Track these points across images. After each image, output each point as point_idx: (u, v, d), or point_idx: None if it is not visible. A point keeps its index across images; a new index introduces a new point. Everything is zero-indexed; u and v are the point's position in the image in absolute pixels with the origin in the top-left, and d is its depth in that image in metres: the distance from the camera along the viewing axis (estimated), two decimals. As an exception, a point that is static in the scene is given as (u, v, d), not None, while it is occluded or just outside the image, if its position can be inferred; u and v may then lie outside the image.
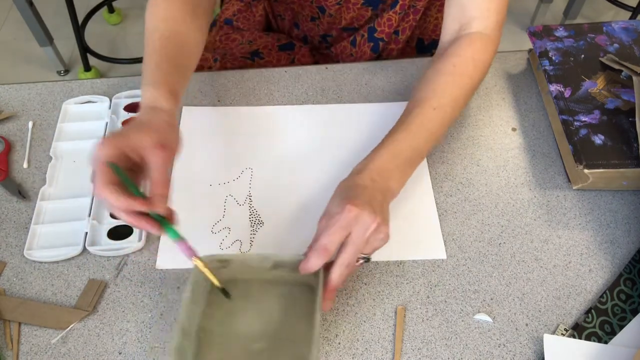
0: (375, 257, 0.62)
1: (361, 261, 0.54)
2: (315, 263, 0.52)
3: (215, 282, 0.54)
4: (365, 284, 0.61)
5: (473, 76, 0.66)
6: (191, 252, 0.53)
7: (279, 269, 0.56)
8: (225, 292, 0.56)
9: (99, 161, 0.51)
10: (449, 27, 0.70)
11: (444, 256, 0.63)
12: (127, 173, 0.52)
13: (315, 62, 0.96)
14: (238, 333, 0.56)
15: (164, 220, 0.52)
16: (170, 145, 0.55)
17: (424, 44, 0.95)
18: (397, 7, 0.85)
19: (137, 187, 0.52)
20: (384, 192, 0.57)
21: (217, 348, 0.54)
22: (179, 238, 0.53)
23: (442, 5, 0.88)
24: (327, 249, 0.51)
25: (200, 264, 0.53)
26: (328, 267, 0.53)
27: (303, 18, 0.90)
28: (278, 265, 0.56)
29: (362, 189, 0.55)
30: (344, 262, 0.52)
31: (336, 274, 0.52)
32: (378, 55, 0.91)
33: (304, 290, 0.57)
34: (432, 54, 0.97)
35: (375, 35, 0.88)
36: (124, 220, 0.51)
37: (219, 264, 0.55)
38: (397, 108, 0.77)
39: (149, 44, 0.65)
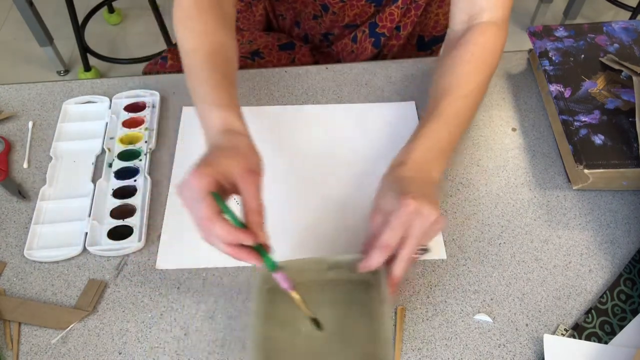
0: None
1: (420, 252, 0.54)
2: (377, 261, 0.51)
3: (309, 313, 0.54)
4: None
5: (491, 63, 0.67)
6: (290, 285, 0.52)
7: (335, 270, 0.56)
8: (316, 322, 0.55)
9: (202, 192, 0.48)
10: (458, 18, 0.71)
11: (444, 256, 0.63)
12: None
13: (316, 62, 0.96)
14: (302, 337, 0.55)
15: (263, 250, 0.50)
16: (258, 170, 0.53)
17: (424, 40, 0.95)
18: (399, 2, 0.85)
19: (237, 217, 0.50)
20: (429, 182, 0.57)
21: (282, 354, 0.54)
22: (277, 269, 0.51)
23: (443, 0, 0.88)
24: (389, 246, 0.51)
25: (297, 297, 0.52)
26: (386, 262, 0.53)
27: (305, 16, 0.90)
28: (334, 267, 0.56)
29: (411, 180, 0.55)
30: (405, 256, 0.52)
31: (399, 268, 0.52)
32: (379, 51, 0.91)
33: (361, 288, 0.57)
34: (432, 51, 0.98)
35: (377, 30, 0.88)
36: (222, 251, 0.49)
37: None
38: (397, 108, 0.77)
39: (196, 61, 0.62)
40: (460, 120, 0.62)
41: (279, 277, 0.51)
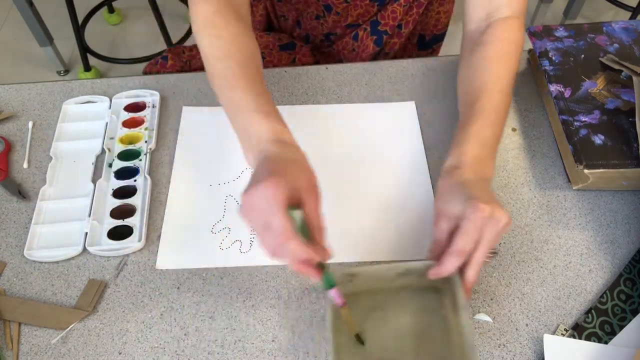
0: (375, 258, 0.62)
1: (491, 255, 0.54)
2: (452, 266, 0.51)
3: (354, 330, 0.54)
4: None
5: (518, 57, 0.68)
6: (343, 301, 0.52)
7: (406, 276, 0.56)
8: (359, 338, 0.55)
9: (280, 203, 0.47)
10: (475, 15, 0.71)
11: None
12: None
13: (317, 61, 0.96)
14: (375, 345, 0.55)
15: (325, 268, 0.51)
16: (316, 187, 0.52)
17: (425, 39, 0.96)
18: (402, 0, 0.85)
19: (307, 234, 0.49)
20: (487, 183, 0.57)
21: None
22: (333, 286, 0.51)
23: None
24: (464, 251, 0.51)
25: (346, 313, 0.53)
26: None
27: (307, 17, 0.90)
28: (406, 273, 0.55)
29: (473, 183, 0.55)
30: (479, 261, 0.52)
31: (473, 272, 0.52)
32: (380, 49, 0.91)
33: (431, 295, 0.57)
34: (432, 50, 0.98)
35: (379, 28, 0.88)
36: (290, 266, 0.49)
37: (346, 278, 0.55)
38: (397, 108, 0.77)
39: (229, 69, 0.61)
40: (500, 116, 0.63)
41: (333, 294, 0.51)
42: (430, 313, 0.57)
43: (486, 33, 0.69)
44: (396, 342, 0.55)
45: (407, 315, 0.57)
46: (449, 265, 0.51)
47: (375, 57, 0.93)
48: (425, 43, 0.96)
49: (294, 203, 0.49)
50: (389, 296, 0.57)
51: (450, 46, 1.05)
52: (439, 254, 0.53)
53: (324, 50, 0.95)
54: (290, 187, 0.48)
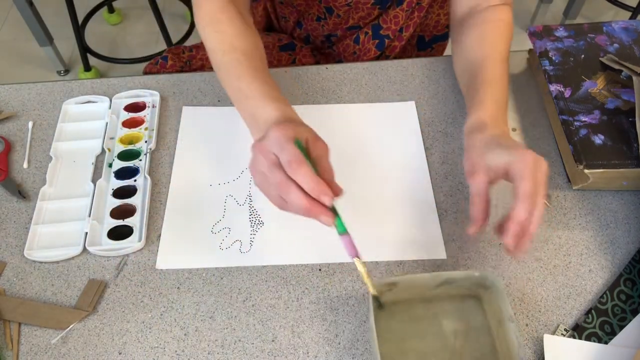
0: (375, 257, 0.62)
1: (547, 200, 0.57)
2: (527, 210, 0.51)
3: (371, 288, 0.53)
4: (366, 284, 0.61)
5: (511, 37, 0.73)
6: (354, 251, 0.52)
7: (446, 285, 0.56)
8: (378, 301, 0.55)
9: (288, 137, 0.50)
10: (465, 4, 0.76)
11: (444, 256, 0.63)
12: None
13: (317, 62, 0.96)
14: (415, 355, 0.55)
15: (336, 211, 0.50)
16: (325, 143, 0.55)
17: (424, 40, 0.96)
18: (404, 4, 0.85)
19: (316, 168, 0.51)
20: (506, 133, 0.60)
21: None
22: (346, 232, 0.51)
23: (445, 1, 0.88)
24: (532, 195, 0.51)
25: (359, 264, 0.52)
26: (502, 230, 0.54)
27: (308, 18, 0.90)
28: (446, 282, 0.56)
29: (506, 137, 0.58)
30: (540, 203, 0.52)
31: (539, 214, 0.52)
32: (382, 52, 0.91)
33: (470, 303, 0.58)
34: (432, 49, 0.98)
35: (381, 32, 0.88)
36: (296, 204, 0.49)
37: (386, 287, 0.55)
38: (397, 108, 0.77)
39: (235, 60, 0.64)
40: (504, 82, 0.66)
41: (345, 241, 0.51)
42: (472, 322, 0.57)
43: (480, 16, 0.73)
44: (437, 352, 0.55)
45: (447, 324, 0.57)
46: (523, 210, 0.51)
47: (376, 60, 0.93)
48: (424, 44, 0.96)
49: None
50: (429, 305, 0.58)
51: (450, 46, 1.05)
52: (484, 207, 0.55)
53: (325, 52, 0.95)
54: (298, 133, 0.51)
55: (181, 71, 0.88)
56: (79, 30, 1.81)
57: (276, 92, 0.61)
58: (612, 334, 0.57)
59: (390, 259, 0.62)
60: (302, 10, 0.89)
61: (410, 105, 0.77)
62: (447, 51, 1.01)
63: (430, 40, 0.96)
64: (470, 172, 0.57)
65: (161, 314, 0.59)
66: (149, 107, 0.76)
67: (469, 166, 0.58)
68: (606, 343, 0.56)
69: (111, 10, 2.14)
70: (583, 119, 0.68)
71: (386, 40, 0.89)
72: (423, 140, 0.73)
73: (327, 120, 0.75)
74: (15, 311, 0.58)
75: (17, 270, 0.62)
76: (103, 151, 0.72)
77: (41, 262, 0.63)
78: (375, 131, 0.74)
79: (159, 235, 0.64)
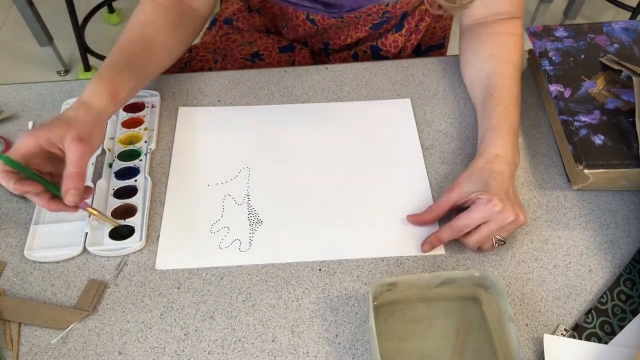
0: (375, 255, 0.62)
1: (497, 245, 0.60)
2: (445, 238, 0.61)
3: (114, 222, 0.63)
4: (366, 284, 0.61)
5: (522, 47, 0.75)
6: (85, 205, 0.60)
7: (445, 285, 0.56)
8: (119, 228, 0.63)
9: (14, 153, 0.55)
10: (476, 12, 0.76)
11: (442, 251, 0.63)
12: (42, 164, 0.58)
13: (316, 64, 0.95)
14: (416, 355, 0.55)
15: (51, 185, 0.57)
16: (89, 140, 0.58)
17: (421, 49, 0.97)
18: (403, 30, 0.87)
19: (37, 175, 0.57)
20: (513, 167, 0.64)
21: None
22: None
23: (440, 16, 0.89)
24: (461, 230, 0.60)
25: (95, 212, 0.61)
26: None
27: (304, 30, 0.90)
28: (447, 282, 0.56)
29: (501, 176, 0.61)
30: (477, 241, 0.60)
31: (472, 241, 0.60)
32: None
33: (470, 304, 0.58)
34: (428, 56, 0.98)
35: (381, 53, 0.90)
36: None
37: (386, 287, 0.55)
38: (392, 105, 0.77)
39: (117, 42, 0.69)
40: (518, 101, 0.69)
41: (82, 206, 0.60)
42: (472, 322, 0.57)
43: (494, 27, 0.74)
44: (437, 352, 0.55)
45: (448, 324, 0.57)
46: (444, 235, 0.61)
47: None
48: (421, 52, 0.97)
49: (58, 153, 0.57)
50: (429, 305, 0.58)
51: (450, 46, 1.05)
52: (434, 215, 0.63)
53: (323, 58, 0.95)
54: (47, 139, 0.55)
55: (181, 71, 0.88)
56: (79, 31, 1.81)
57: (111, 74, 0.64)
58: (612, 334, 0.57)
59: (386, 257, 0.62)
60: (296, 26, 0.88)
61: (406, 102, 0.77)
62: (447, 52, 1.02)
63: (427, 49, 0.97)
64: (451, 187, 0.63)
65: (161, 314, 0.59)
66: (148, 107, 0.76)
67: (455, 180, 0.63)
68: (606, 343, 0.56)
69: (111, 10, 2.14)
70: (583, 119, 0.68)
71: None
72: (422, 139, 0.73)
73: (326, 119, 0.75)
74: (15, 311, 0.58)
75: (17, 270, 0.62)
76: (103, 151, 0.72)
77: (41, 262, 0.63)
78: (371, 128, 0.74)
79: (159, 235, 0.64)
